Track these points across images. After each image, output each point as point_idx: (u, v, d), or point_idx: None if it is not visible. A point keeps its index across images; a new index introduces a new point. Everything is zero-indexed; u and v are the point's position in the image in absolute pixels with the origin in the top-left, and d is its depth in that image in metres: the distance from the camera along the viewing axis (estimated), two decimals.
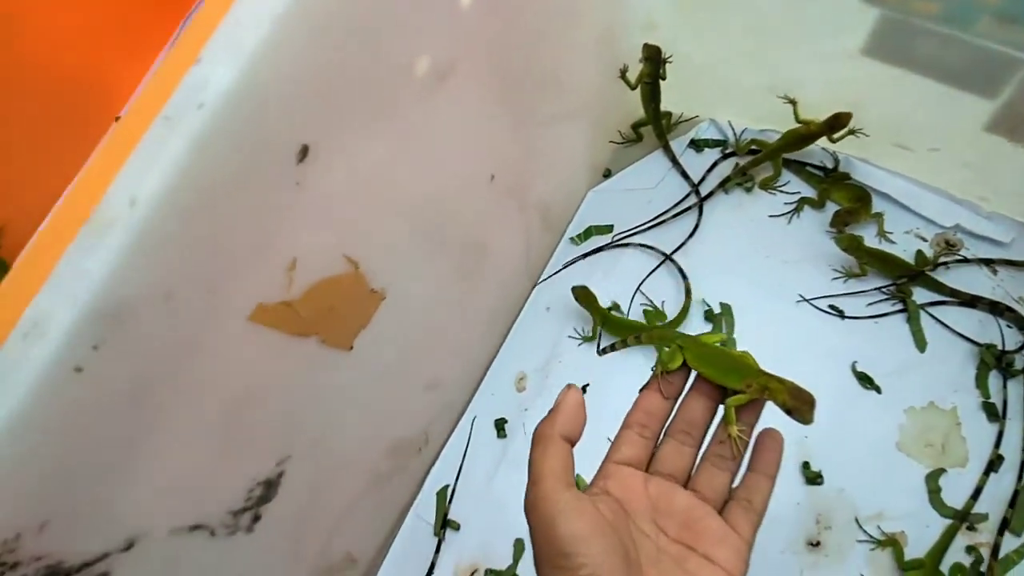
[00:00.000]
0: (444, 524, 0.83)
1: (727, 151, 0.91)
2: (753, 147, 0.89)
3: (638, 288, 0.88)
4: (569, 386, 0.47)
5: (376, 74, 0.49)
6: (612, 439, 0.52)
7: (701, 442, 0.52)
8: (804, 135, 0.83)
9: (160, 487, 0.48)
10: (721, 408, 0.52)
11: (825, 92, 0.79)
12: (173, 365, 0.44)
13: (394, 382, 0.72)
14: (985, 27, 0.62)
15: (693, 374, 0.54)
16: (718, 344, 0.59)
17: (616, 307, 0.88)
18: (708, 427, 0.52)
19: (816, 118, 0.82)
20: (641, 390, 0.53)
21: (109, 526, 0.45)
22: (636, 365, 0.85)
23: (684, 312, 0.85)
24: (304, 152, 0.45)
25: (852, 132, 0.80)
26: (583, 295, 0.85)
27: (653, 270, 0.89)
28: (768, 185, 0.88)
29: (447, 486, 0.85)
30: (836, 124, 0.80)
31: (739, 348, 0.84)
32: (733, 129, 0.91)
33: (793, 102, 0.82)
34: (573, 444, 0.46)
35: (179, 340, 0.43)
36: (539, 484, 0.43)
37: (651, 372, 0.54)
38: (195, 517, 0.52)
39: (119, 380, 0.41)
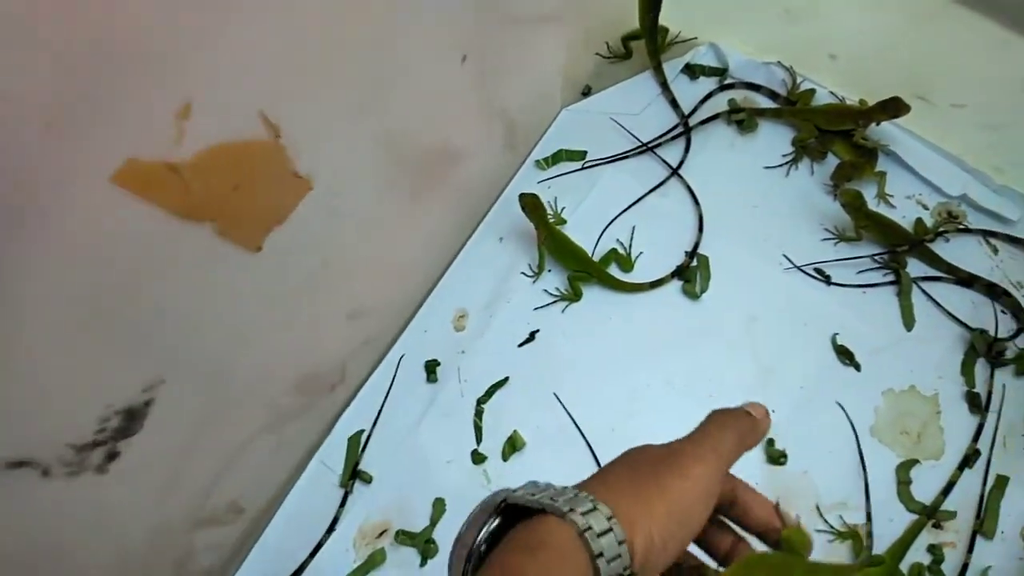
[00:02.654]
0: (354, 475, 0.71)
1: (725, 82, 0.80)
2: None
3: (615, 219, 0.77)
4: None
5: None
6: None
7: None
8: (853, 113, 0.74)
9: None
10: None
11: (848, 21, 0.69)
12: None
13: (311, 301, 0.58)
14: None
15: None
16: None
17: (560, 221, 0.77)
18: None
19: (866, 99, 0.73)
20: None
21: None
22: (590, 312, 0.75)
23: (695, 251, 0.75)
24: None
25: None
26: (531, 203, 0.74)
27: (652, 190, 0.78)
28: (800, 143, 0.77)
29: (361, 431, 0.73)
30: (891, 109, 0.71)
31: (712, 302, 0.75)
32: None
33: None
34: None
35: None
36: None
37: None
38: (16, 450, 0.37)
39: None
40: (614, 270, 0.75)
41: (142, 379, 0.42)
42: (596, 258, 0.75)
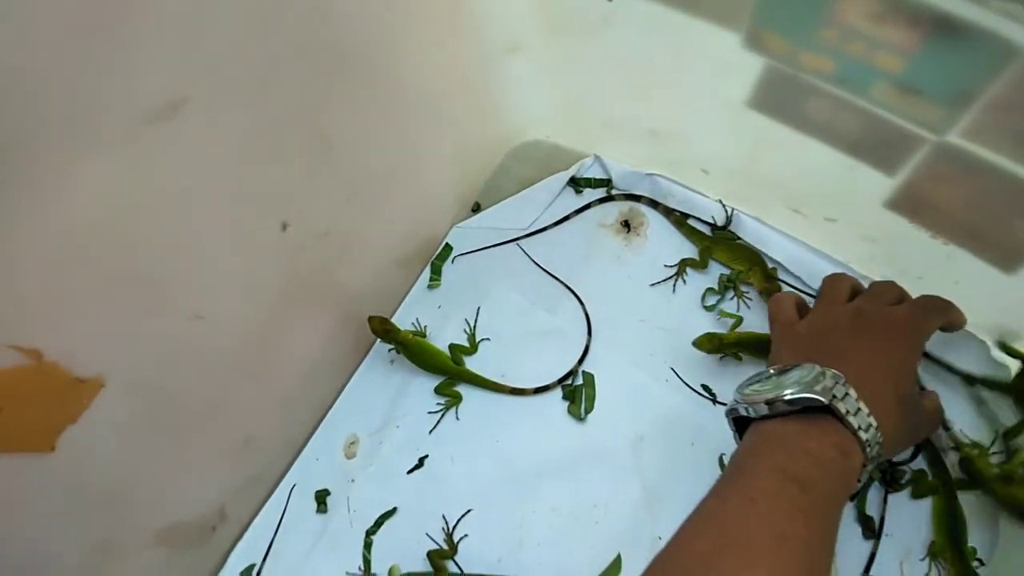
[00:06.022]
0: None
1: (611, 191, 0.80)
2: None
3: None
4: None
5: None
6: None
7: None
8: None
9: None
10: None
11: (713, 140, 0.68)
12: None
13: (160, 459, 0.59)
14: (881, 94, 0.51)
15: None
16: None
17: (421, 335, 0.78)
18: None
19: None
20: None
21: None
22: (477, 438, 0.74)
23: (580, 363, 0.74)
24: None
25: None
26: (379, 327, 0.75)
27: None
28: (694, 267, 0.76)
29: (253, 566, 0.73)
30: None
31: (597, 422, 0.74)
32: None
33: None
34: None
35: None
36: None
37: None
38: None
39: None
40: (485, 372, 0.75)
41: None
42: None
